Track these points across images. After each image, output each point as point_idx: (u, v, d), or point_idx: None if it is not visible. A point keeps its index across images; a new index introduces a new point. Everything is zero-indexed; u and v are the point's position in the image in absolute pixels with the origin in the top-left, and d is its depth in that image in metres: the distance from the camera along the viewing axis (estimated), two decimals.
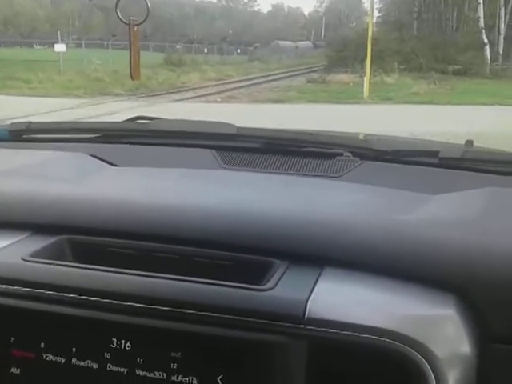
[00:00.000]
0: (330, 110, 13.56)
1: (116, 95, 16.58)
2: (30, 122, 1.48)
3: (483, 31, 27.69)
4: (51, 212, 0.98)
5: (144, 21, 1.06)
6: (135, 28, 1.06)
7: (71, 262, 0.87)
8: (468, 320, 0.77)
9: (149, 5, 1.04)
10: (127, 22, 1.06)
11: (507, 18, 29.22)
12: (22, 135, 1.48)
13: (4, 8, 62.28)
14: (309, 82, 22.74)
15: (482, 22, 27.73)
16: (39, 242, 0.91)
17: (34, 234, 0.94)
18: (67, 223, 0.95)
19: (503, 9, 28.83)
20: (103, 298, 0.78)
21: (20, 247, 0.89)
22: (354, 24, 66.95)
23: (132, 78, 1.08)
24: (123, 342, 0.77)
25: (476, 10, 28.95)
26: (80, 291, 0.79)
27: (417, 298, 0.78)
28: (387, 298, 0.78)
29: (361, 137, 1.64)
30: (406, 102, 15.55)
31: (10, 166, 1.20)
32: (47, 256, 0.86)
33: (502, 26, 28.89)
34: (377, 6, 48.01)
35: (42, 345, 0.80)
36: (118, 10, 1.05)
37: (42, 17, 69.77)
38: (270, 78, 25.44)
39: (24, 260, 0.85)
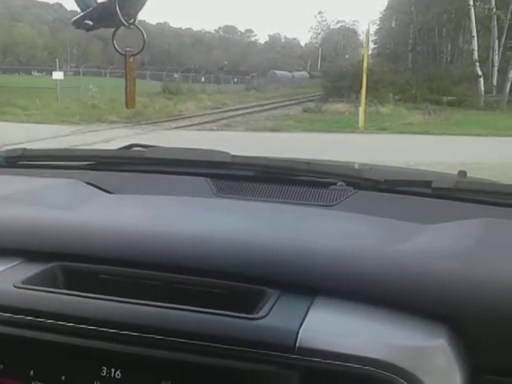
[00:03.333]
0: (326, 138, 13.63)
1: (112, 122, 16.60)
2: (25, 149, 1.48)
3: (477, 63, 27.99)
4: (44, 239, 0.98)
5: (140, 52, 1.08)
6: (131, 59, 1.08)
7: (63, 289, 0.87)
8: (459, 350, 0.77)
9: (145, 36, 1.05)
10: (123, 52, 1.08)
11: (501, 50, 29.58)
12: (16, 162, 1.48)
13: (3, 36, 62.87)
14: (305, 111, 22.88)
15: (476, 55, 28.06)
16: (32, 269, 0.90)
17: (27, 261, 0.94)
18: (60, 250, 0.95)
19: (497, 42, 29.20)
20: (94, 326, 0.78)
21: (12, 274, 0.89)
22: (347, 56, 67.72)
23: (127, 107, 1.09)
24: (113, 370, 0.77)
25: (470, 42, 29.33)
26: (71, 319, 0.79)
27: (408, 328, 0.78)
28: (379, 328, 0.78)
29: (355, 166, 1.65)
30: (401, 132, 15.64)
31: (4, 193, 1.20)
32: (39, 283, 0.86)
33: (496, 58, 29.21)
34: (372, 38, 48.81)
35: (32, 373, 0.79)
36: (114, 41, 1.06)
37: (40, 45, 70.47)
38: (267, 106, 25.59)
39: (16, 287, 0.84)
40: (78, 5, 1.01)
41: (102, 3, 1.01)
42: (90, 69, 35.97)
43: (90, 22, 1.02)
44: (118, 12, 0.98)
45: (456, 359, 0.76)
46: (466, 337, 0.78)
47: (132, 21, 1.02)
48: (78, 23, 1.02)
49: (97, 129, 14.88)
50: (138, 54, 1.09)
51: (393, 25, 48.81)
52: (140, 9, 1.02)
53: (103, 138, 12.09)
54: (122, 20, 1.00)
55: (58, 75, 22.69)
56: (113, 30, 1.06)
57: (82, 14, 1.01)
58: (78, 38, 71.40)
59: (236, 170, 1.39)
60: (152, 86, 28.12)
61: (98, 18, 1.01)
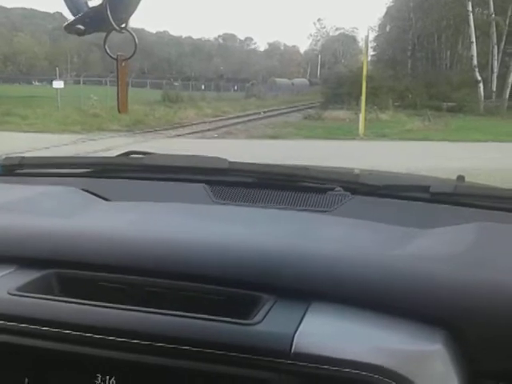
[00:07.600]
0: (327, 145, 13.63)
1: (113, 131, 16.61)
2: (23, 157, 1.48)
3: (476, 69, 28.06)
4: (39, 246, 0.97)
5: (131, 56, 1.08)
6: (123, 63, 1.08)
7: (58, 296, 0.86)
8: (456, 355, 0.76)
9: (136, 40, 1.05)
10: (115, 57, 1.08)
11: (500, 56, 29.62)
12: (14, 170, 1.48)
13: (3, 46, 63.07)
14: (305, 118, 22.90)
15: (475, 61, 28.13)
16: (27, 276, 0.90)
17: (22, 268, 0.94)
18: (55, 257, 0.95)
19: (496, 47, 29.26)
20: (89, 333, 0.77)
21: (7, 281, 0.89)
22: (343, 61, 67.91)
23: (119, 112, 1.09)
24: (108, 377, 0.76)
25: (469, 48, 29.40)
26: (66, 326, 0.78)
27: (405, 333, 0.77)
28: (376, 333, 0.77)
29: (353, 172, 1.64)
30: (400, 139, 15.64)
31: (2, 201, 1.19)
32: (34, 290, 0.86)
33: (495, 63, 29.27)
34: (371, 44, 48.79)
35: (26, 380, 0.79)
36: (106, 46, 1.06)
37: (40, 54, 70.66)
38: (267, 114, 25.59)
39: (10, 294, 0.84)
40: (70, 10, 1.01)
41: (93, 8, 1.00)
42: (90, 78, 36.05)
43: (82, 27, 1.01)
44: (110, 16, 0.98)
45: (453, 364, 0.75)
46: (463, 341, 0.77)
47: (124, 25, 1.02)
48: (70, 28, 1.02)
49: (98, 137, 14.89)
50: (129, 58, 1.09)
51: (392, 31, 48.88)
52: (132, 13, 1.01)
53: (104, 147, 12.08)
54: (114, 24, 0.99)
55: (58, 84, 22.71)
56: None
57: (73, 18, 1.01)
58: (78, 47, 71.63)
59: (234, 177, 1.39)
60: (152, 94, 28.20)
61: (89, 23, 1.01)
